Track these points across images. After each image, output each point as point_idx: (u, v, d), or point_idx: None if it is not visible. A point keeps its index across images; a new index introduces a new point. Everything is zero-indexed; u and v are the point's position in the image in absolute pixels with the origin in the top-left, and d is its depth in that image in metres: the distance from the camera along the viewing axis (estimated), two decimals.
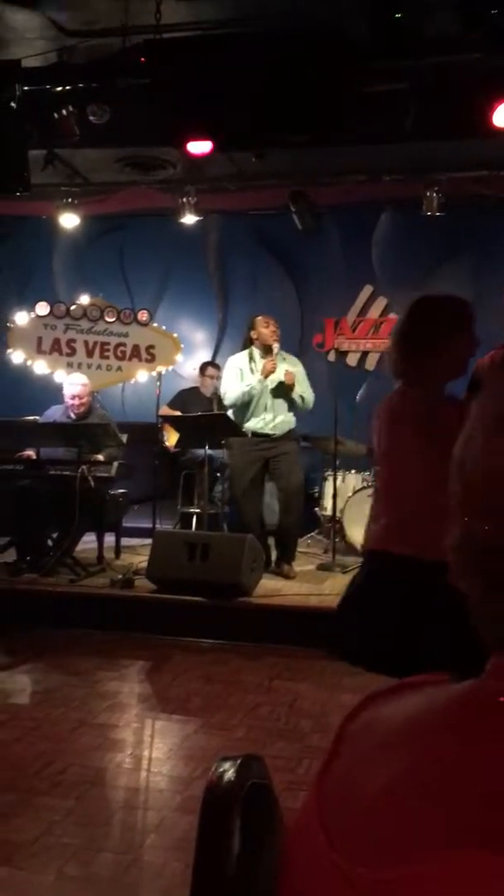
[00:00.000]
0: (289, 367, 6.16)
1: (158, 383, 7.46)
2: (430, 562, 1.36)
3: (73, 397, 6.47)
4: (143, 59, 4.95)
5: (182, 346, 7.96)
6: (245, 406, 6.10)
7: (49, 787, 3.11)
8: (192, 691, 4.27)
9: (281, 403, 6.08)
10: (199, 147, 5.30)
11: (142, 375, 7.76)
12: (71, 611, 5.39)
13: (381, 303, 8.65)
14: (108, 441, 6.26)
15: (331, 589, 5.71)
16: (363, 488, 6.87)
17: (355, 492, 6.88)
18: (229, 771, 0.63)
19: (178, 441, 6.93)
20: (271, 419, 6.05)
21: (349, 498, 6.83)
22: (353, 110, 4.91)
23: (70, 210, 7.47)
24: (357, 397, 8.53)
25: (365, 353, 8.69)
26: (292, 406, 6.13)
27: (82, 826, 2.84)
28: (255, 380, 6.04)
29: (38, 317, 7.70)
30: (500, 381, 0.60)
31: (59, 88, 5.48)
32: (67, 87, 5.47)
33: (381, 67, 5.01)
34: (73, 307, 7.74)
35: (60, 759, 3.36)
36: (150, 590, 5.48)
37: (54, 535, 6.15)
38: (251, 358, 6.15)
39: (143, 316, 7.71)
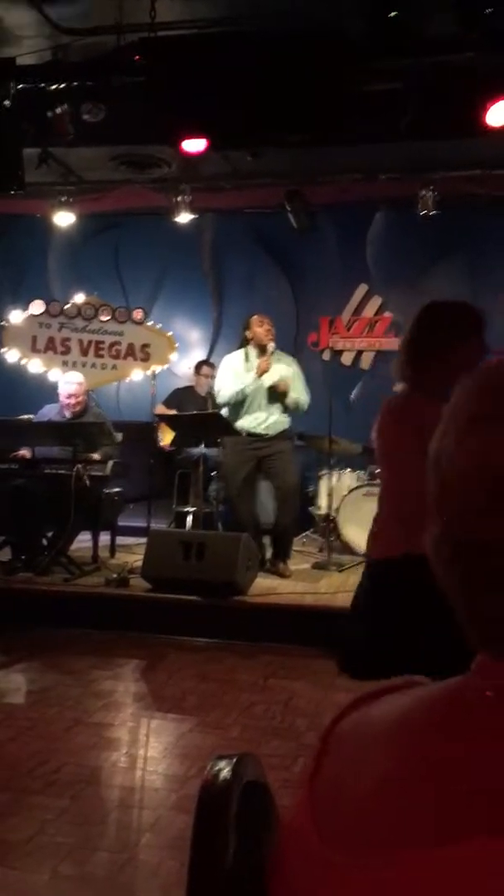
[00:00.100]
0: (284, 367, 6.17)
1: (153, 382, 7.46)
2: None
3: (69, 396, 6.47)
4: (137, 57, 4.94)
5: (177, 344, 7.95)
6: (238, 405, 6.10)
7: (44, 787, 3.11)
8: (188, 690, 4.27)
9: (275, 404, 6.09)
10: (194, 145, 5.29)
11: (137, 374, 7.75)
12: (66, 610, 5.39)
13: (375, 302, 8.65)
14: (103, 440, 6.25)
15: (326, 588, 5.72)
16: (358, 487, 6.88)
17: (350, 491, 6.88)
18: (225, 769, 0.63)
19: (174, 440, 6.93)
20: (264, 419, 6.05)
21: (344, 497, 6.83)
22: (349, 109, 4.90)
23: (65, 209, 7.45)
24: (352, 396, 8.54)
25: (360, 352, 8.70)
26: (286, 408, 6.13)
27: (77, 825, 2.84)
28: (248, 379, 6.04)
29: (33, 315, 7.69)
30: (474, 380, 0.60)
31: (54, 87, 5.46)
32: (62, 86, 5.45)
33: (377, 67, 5.00)
34: (67, 306, 7.73)
35: (55, 758, 3.36)
36: (146, 589, 5.48)
37: (49, 534, 6.14)
38: (246, 357, 6.15)
39: (137, 315, 7.70)
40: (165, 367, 7.84)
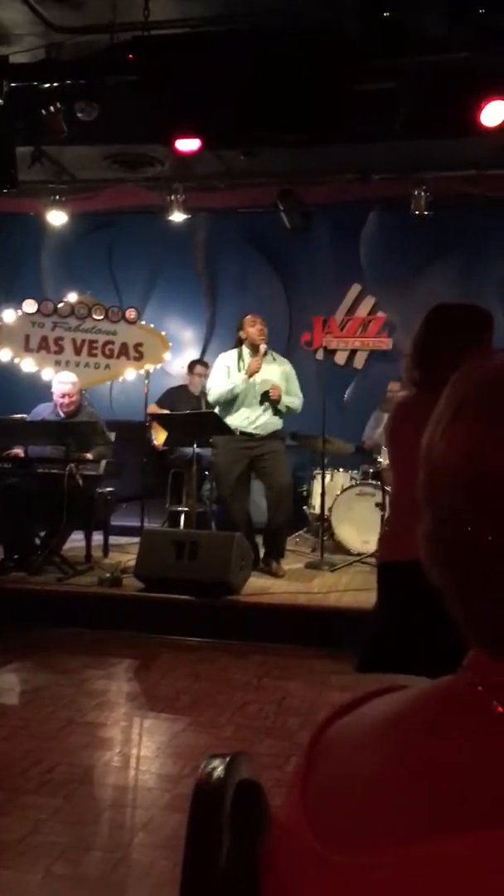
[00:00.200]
0: (277, 368, 6.17)
1: (146, 381, 7.45)
2: None
3: (63, 396, 6.46)
4: (131, 56, 4.94)
5: (170, 344, 7.94)
6: (229, 404, 6.11)
7: (37, 786, 3.11)
8: (181, 689, 4.27)
9: (266, 404, 6.08)
10: (188, 144, 5.29)
11: (130, 374, 7.74)
12: (59, 609, 5.38)
13: (369, 301, 8.66)
14: (96, 439, 6.25)
15: (319, 587, 5.73)
16: (351, 487, 6.89)
17: (343, 490, 6.89)
18: (219, 768, 0.63)
19: (167, 439, 6.92)
20: (254, 418, 6.04)
21: (337, 496, 6.84)
22: (343, 109, 4.91)
23: (58, 207, 7.44)
24: (345, 396, 8.55)
25: (353, 352, 8.71)
26: (278, 410, 6.13)
27: (70, 825, 2.84)
28: (239, 378, 6.05)
29: (26, 314, 7.67)
30: (464, 377, 0.60)
31: (47, 85, 5.45)
32: (55, 84, 5.44)
33: (371, 66, 5.01)
34: (60, 305, 7.71)
35: (48, 758, 3.35)
36: (139, 588, 5.47)
37: (42, 534, 6.13)
38: (240, 356, 6.15)
39: (131, 314, 7.69)
40: (159, 366, 7.83)
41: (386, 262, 8.44)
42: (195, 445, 6.19)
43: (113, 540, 6.71)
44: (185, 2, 4.96)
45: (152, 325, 7.92)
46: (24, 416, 6.59)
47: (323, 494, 6.68)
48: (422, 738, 0.57)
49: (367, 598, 5.45)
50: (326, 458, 6.71)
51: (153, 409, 7.33)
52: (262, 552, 6.22)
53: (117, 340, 7.68)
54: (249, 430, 6.03)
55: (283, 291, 8.78)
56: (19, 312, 7.69)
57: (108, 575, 5.65)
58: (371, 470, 6.91)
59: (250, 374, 6.00)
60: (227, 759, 0.64)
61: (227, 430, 5.96)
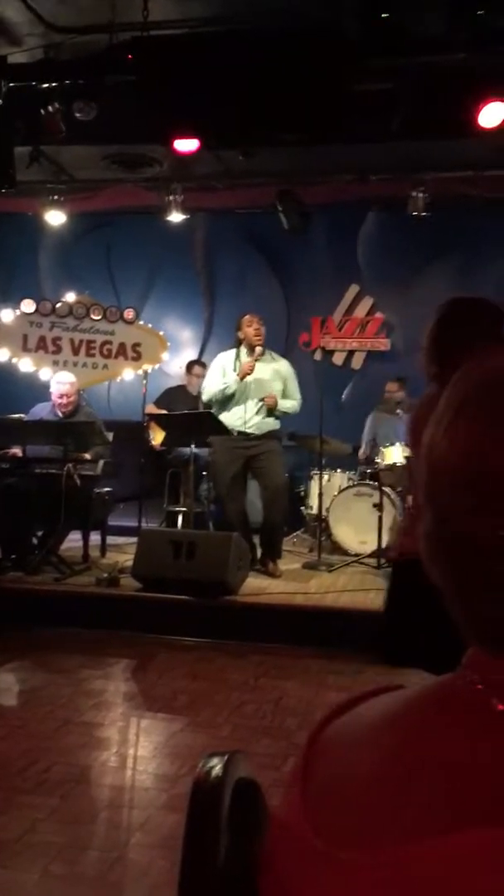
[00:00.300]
0: (276, 368, 6.14)
1: (144, 381, 7.45)
2: None
3: (61, 396, 6.46)
4: (130, 56, 4.94)
5: (168, 344, 7.94)
6: (224, 403, 6.10)
7: (34, 786, 3.11)
8: (178, 689, 4.27)
9: (261, 404, 6.05)
10: (186, 145, 5.29)
11: (128, 374, 7.74)
12: (56, 609, 5.38)
13: (367, 302, 8.67)
14: (94, 439, 6.24)
15: (316, 587, 5.73)
16: (349, 487, 6.89)
17: (341, 491, 6.90)
18: (217, 767, 0.63)
19: (165, 439, 6.92)
20: (249, 418, 6.01)
21: (335, 497, 6.84)
22: (341, 109, 4.91)
23: (56, 207, 7.44)
24: (343, 396, 8.56)
25: (351, 353, 8.72)
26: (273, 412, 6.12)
27: (67, 824, 2.84)
28: (232, 379, 6.04)
29: (24, 314, 7.66)
30: (468, 374, 0.60)
31: (46, 85, 5.45)
32: (54, 84, 5.44)
33: (369, 67, 5.01)
34: (58, 305, 7.71)
35: (45, 758, 3.35)
36: (136, 588, 5.47)
37: (39, 534, 6.13)
38: (237, 356, 6.14)
39: (129, 314, 7.69)
40: (157, 366, 7.83)
41: (384, 262, 8.45)
42: (193, 445, 6.19)
43: (110, 540, 6.71)
44: (184, 2, 4.96)
45: (150, 325, 7.92)
46: (22, 415, 6.59)
47: (320, 495, 6.68)
48: (421, 736, 0.57)
49: (364, 598, 5.47)
50: (324, 458, 6.72)
51: (151, 409, 7.33)
52: (259, 552, 6.22)
53: (115, 340, 7.68)
54: (244, 429, 6.01)
55: (281, 292, 8.78)
56: (17, 312, 7.69)
57: (105, 575, 5.65)
58: (369, 470, 6.91)
59: (243, 376, 5.99)
60: (226, 757, 0.64)
61: (225, 431, 5.96)
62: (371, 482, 6.69)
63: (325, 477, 6.91)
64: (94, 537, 6.49)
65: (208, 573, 5.23)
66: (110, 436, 6.50)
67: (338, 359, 8.68)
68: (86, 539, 6.35)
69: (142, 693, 4.36)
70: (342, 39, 4.72)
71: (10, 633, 5.09)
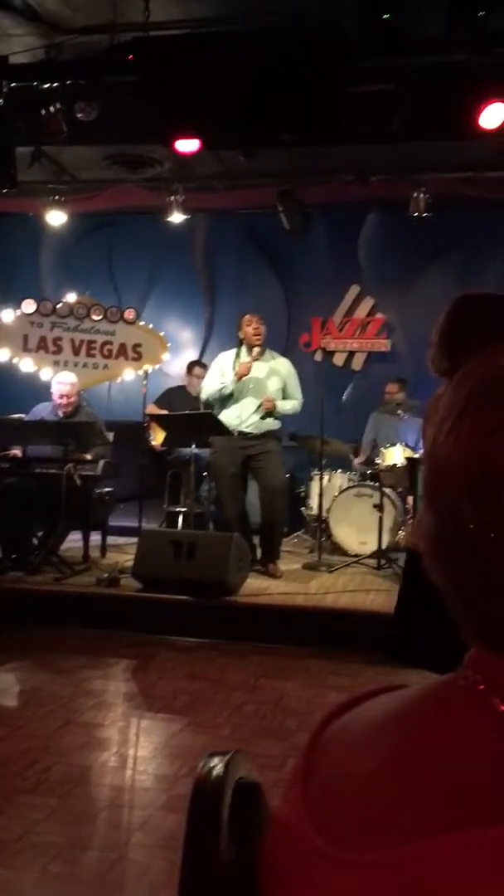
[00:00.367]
0: (275, 368, 6.12)
1: (145, 382, 7.45)
2: None
3: (61, 396, 6.46)
4: (131, 56, 4.94)
5: (169, 344, 7.95)
6: (222, 403, 6.10)
7: (34, 786, 3.11)
8: (178, 690, 4.27)
9: (260, 403, 6.01)
10: (187, 145, 5.29)
11: (128, 374, 7.74)
12: (56, 609, 5.38)
13: (368, 303, 8.67)
14: (94, 440, 6.24)
15: (317, 588, 5.73)
16: (349, 488, 6.89)
17: (341, 491, 6.89)
18: (218, 766, 0.63)
19: (165, 440, 6.92)
20: (246, 418, 6.00)
21: (335, 497, 6.84)
22: (341, 110, 4.91)
23: (57, 207, 7.45)
24: (343, 397, 8.56)
25: (351, 353, 8.72)
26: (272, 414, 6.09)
27: (67, 824, 2.84)
28: (229, 379, 6.04)
29: (25, 314, 7.67)
30: (473, 374, 0.60)
31: (47, 85, 5.45)
32: (55, 84, 5.44)
33: (370, 67, 5.02)
34: (59, 305, 7.71)
35: (45, 758, 3.35)
36: (136, 588, 5.47)
37: (40, 534, 6.13)
38: (237, 356, 6.14)
39: (129, 314, 7.69)
40: (157, 366, 7.84)
41: (385, 263, 8.46)
42: (193, 446, 6.19)
43: (111, 540, 6.71)
44: (186, 3, 4.96)
45: (151, 326, 7.93)
46: (23, 415, 6.59)
47: (321, 495, 6.68)
48: (422, 735, 0.57)
49: (364, 598, 5.47)
50: (324, 459, 6.72)
51: (151, 409, 7.33)
52: (259, 553, 6.21)
53: (116, 341, 7.69)
54: (241, 428, 6.00)
55: (281, 292, 8.79)
56: (18, 312, 7.69)
57: (105, 575, 5.65)
58: (369, 471, 6.91)
59: (239, 377, 5.98)
60: (227, 757, 0.64)
61: (225, 431, 5.95)
62: (371, 483, 6.69)
63: (326, 477, 6.91)
64: (95, 537, 6.49)
65: (208, 573, 5.23)
66: (111, 436, 6.50)
67: (338, 359, 8.68)
68: (86, 539, 6.35)
69: (142, 693, 4.36)
70: (343, 40, 4.72)
71: (10, 633, 5.09)
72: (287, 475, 7.78)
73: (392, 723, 0.60)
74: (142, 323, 7.86)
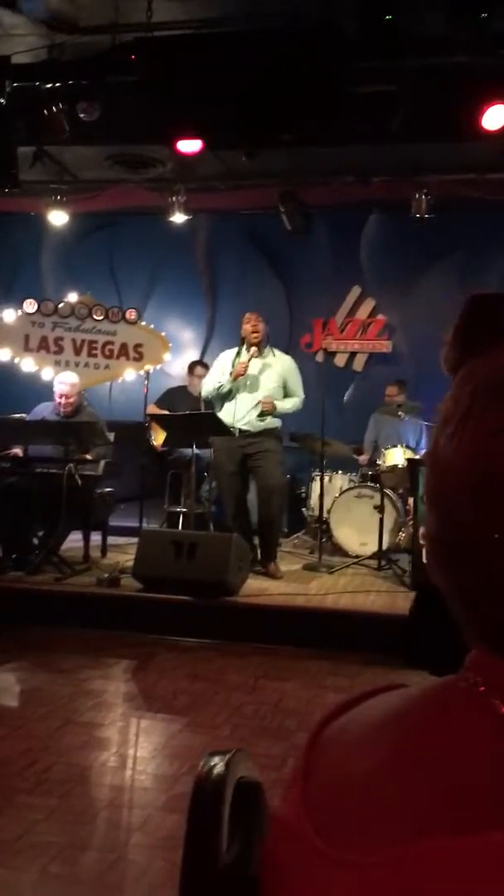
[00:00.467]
0: (275, 365, 6.10)
1: (146, 382, 7.45)
2: None
3: (61, 396, 6.46)
4: (133, 56, 4.95)
5: (170, 344, 7.95)
6: (220, 401, 6.11)
7: (33, 786, 3.11)
8: (178, 690, 4.27)
9: (258, 402, 5.97)
10: (189, 146, 5.30)
11: (129, 374, 7.75)
12: (57, 609, 5.38)
13: (369, 304, 8.67)
14: (95, 440, 6.24)
15: (317, 589, 5.73)
16: (350, 489, 6.89)
17: (342, 492, 6.89)
18: (218, 766, 0.63)
19: (166, 440, 6.92)
20: (242, 415, 5.98)
21: (336, 498, 6.84)
22: (344, 111, 4.92)
23: (59, 207, 7.45)
24: (345, 398, 8.56)
25: (353, 354, 8.72)
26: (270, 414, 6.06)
27: (66, 824, 2.84)
28: (225, 378, 6.04)
29: (26, 314, 7.68)
30: (471, 373, 0.60)
31: (49, 85, 5.46)
32: (57, 84, 5.45)
33: (372, 68, 5.02)
34: (60, 305, 7.72)
35: (45, 758, 3.35)
36: (137, 588, 5.47)
37: (40, 534, 6.13)
38: (238, 355, 6.13)
39: (131, 314, 7.69)
40: (158, 367, 7.84)
41: (386, 264, 8.46)
42: (194, 446, 6.19)
43: (111, 540, 6.71)
44: (188, 3, 4.96)
45: (152, 326, 7.93)
46: (24, 415, 6.59)
47: (322, 496, 6.68)
48: (423, 735, 0.57)
49: (364, 600, 5.47)
50: (325, 459, 6.72)
51: (152, 409, 7.33)
52: (259, 553, 6.20)
53: (117, 341, 7.69)
54: (238, 425, 5.97)
55: (283, 293, 8.79)
56: (19, 312, 7.70)
57: (106, 575, 5.65)
58: (370, 472, 6.91)
59: (235, 377, 5.97)
60: (227, 756, 0.64)
61: (226, 431, 5.94)
62: (372, 484, 6.69)
63: (326, 478, 6.91)
64: (95, 537, 6.50)
65: (209, 574, 5.23)
66: (112, 436, 6.50)
67: (340, 360, 8.68)
68: (86, 539, 6.35)
69: (142, 693, 4.36)
70: (344, 41, 4.73)
71: (10, 633, 5.09)
72: (287, 476, 7.78)
73: (392, 723, 0.60)
74: (143, 323, 7.87)
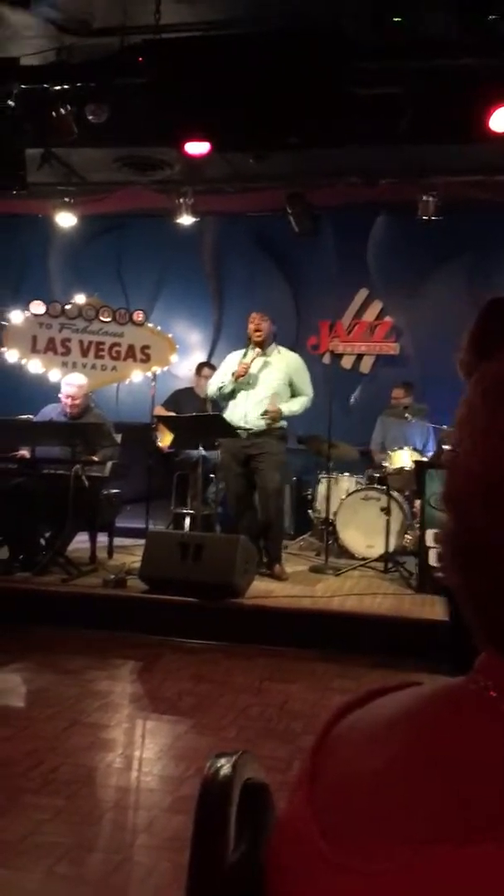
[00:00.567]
0: (280, 364, 6.07)
1: (153, 383, 7.46)
2: None
3: (67, 397, 6.47)
4: (141, 59, 4.96)
5: (177, 346, 7.96)
6: (225, 400, 6.11)
7: (39, 786, 3.11)
8: (184, 691, 4.27)
9: (262, 402, 5.96)
10: (197, 148, 5.31)
11: (136, 375, 7.76)
12: (63, 610, 5.39)
13: (376, 306, 8.67)
14: (102, 441, 6.25)
15: (323, 591, 5.72)
16: (356, 491, 6.88)
17: (348, 494, 6.88)
18: (225, 767, 0.63)
19: (172, 441, 6.93)
20: (244, 414, 5.98)
21: (342, 500, 6.83)
22: (351, 112, 4.92)
23: (67, 209, 7.47)
24: (351, 400, 8.55)
25: (360, 356, 8.72)
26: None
27: (72, 825, 2.84)
28: (227, 378, 6.04)
29: (34, 316, 7.70)
30: (483, 376, 0.60)
31: (57, 87, 5.48)
32: (65, 86, 5.47)
33: (379, 70, 5.03)
34: (68, 306, 7.73)
35: (51, 759, 3.36)
36: (143, 590, 5.48)
37: (47, 535, 6.14)
38: (244, 355, 6.13)
39: (138, 316, 7.71)
40: (165, 368, 7.85)
41: (393, 266, 8.45)
42: (200, 448, 6.19)
43: (118, 541, 6.72)
44: (196, 5, 4.97)
45: (159, 328, 7.94)
46: (31, 416, 6.60)
47: (328, 498, 6.67)
48: (435, 735, 0.57)
49: (371, 602, 5.46)
50: (332, 461, 6.70)
51: (159, 410, 7.34)
52: (265, 555, 6.20)
53: (124, 342, 7.71)
54: (242, 424, 5.97)
55: (290, 295, 8.79)
56: (27, 314, 7.72)
57: (112, 576, 5.66)
58: (376, 474, 6.90)
59: (236, 378, 5.97)
60: (234, 758, 0.64)
61: (232, 432, 5.94)
62: (379, 486, 6.68)
63: (333, 480, 6.90)
64: (102, 539, 6.50)
65: (215, 575, 5.23)
66: (119, 437, 6.51)
67: (346, 362, 8.68)
68: (93, 540, 6.36)
69: (147, 695, 4.36)
70: (352, 43, 4.73)
71: (17, 634, 5.10)
72: (294, 478, 7.79)
73: (403, 721, 0.60)
74: (150, 325, 7.88)
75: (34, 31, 5.29)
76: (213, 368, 7.46)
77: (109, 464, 6.22)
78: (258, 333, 6.04)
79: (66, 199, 7.42)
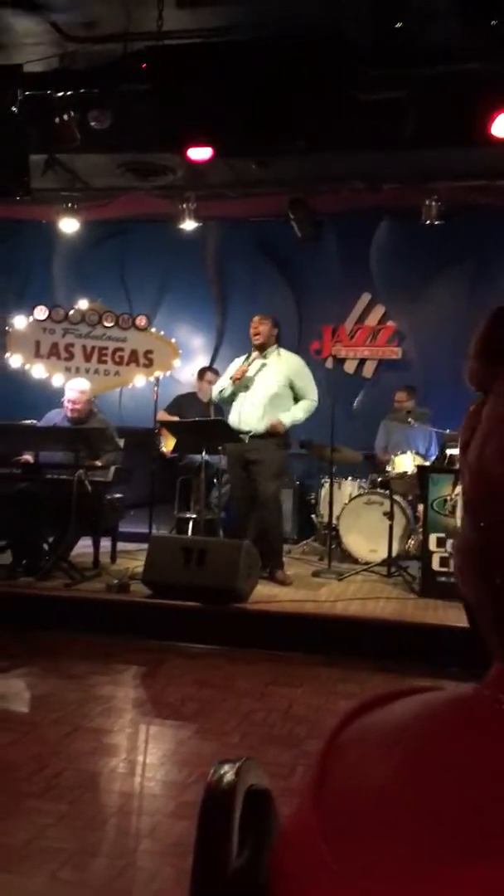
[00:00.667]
0: (280, 366, 6.05)
1: (156, 388, 7.47)
2: None
3: (70, 402, 6.49)
4: (144, 65, 4.97)
5: (180, 351, 7.97)
6: (227, 404, 6.12)
7: (42, 791, 3.11)
8: (187, 696, 4.27)
9: (260, 405, 5.94)
10: (200, 153, 5.32)
11: (139, 380, 7.77)
12: (66, 615, 5.39)
13: (379, 310, 8.67)
14: (106, 446, 6.26)
15: (326, 595, 5.72)
16: (359, 495, 6.88)
17: (351, 499, 6.89)
18: (229, 773, 0.63)
19: (175, 446, 6.93)
20: (238, 417, 5.96)
21: (345, 505, 6.83)
22: (353, 118, 4.93)
23: (70, 215, 7.49)
24: (354, 404, 8.55)
25: (362, 361, 8.72)
26: (278, 409, 5.98)
27: (75, 830, 2.84)
28: (226, 382, 6.05)
29: (37, 321, 7.71)
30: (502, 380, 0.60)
31: (61, 93, 5.49)
32: (69, 92, 5.48)
33: (382, 75, 5.03)
34: (71, 312, 7.75)
35: (54, 764, 3.35)
36: (146, 595, 5.47)
37: (50, 539, 6.14)
38: (247, 359, 6.14)
39: (141, 321, 7.72)
40: (168, 373, 7.86)
41: (396, 271, 8.46)
42: (204, 452, 6.20)
43: (121, 546, 6.72)
44: (198, 12, 4.99)
45: (162, 333, 7.95)
46: (34, 421, 6.61)
47: (331, 502, 6.67)
48: (442, 748, 0.57)
49: (374, 606, 5.46)
50: (335, 466, 6.71)
51: (162, 415, 7.34)
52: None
53: (127, 347, 7.72)
54: (241, 427, 5.96)
55: (293, 300, 8.79)
56: (30, 319, 7.73)
57: (115, 581, 5.66)
58: (379, 478, 6.90)
59: (234, 381, 5.98)
60: (238, 764, 0.64)
61: (235, 437, 5.94)
62: (382, 490, 6.67)
63: (336, 485, 6.90)
64: (105, 543, 6.51)
65: (218, 580, 5.23)
66: (122, 442, 6.52)
67: (349, 367, 8.67)
68: (96, 545, 6.36)
69: (150, 700, 4.36)
70: (355, 48, 4.74)
71: (20, 638, 5.10)
72: (297, 482, 7.79)
73: (408, 731, 0.60)
74: (153, 330, 7.89)
75: (37, 38, 5.31)
76: (216, 373, 7.47)
77: (112, 468, 6.22)
78: (257, 337, 6.07)
79: (70, 205, 7.43)
